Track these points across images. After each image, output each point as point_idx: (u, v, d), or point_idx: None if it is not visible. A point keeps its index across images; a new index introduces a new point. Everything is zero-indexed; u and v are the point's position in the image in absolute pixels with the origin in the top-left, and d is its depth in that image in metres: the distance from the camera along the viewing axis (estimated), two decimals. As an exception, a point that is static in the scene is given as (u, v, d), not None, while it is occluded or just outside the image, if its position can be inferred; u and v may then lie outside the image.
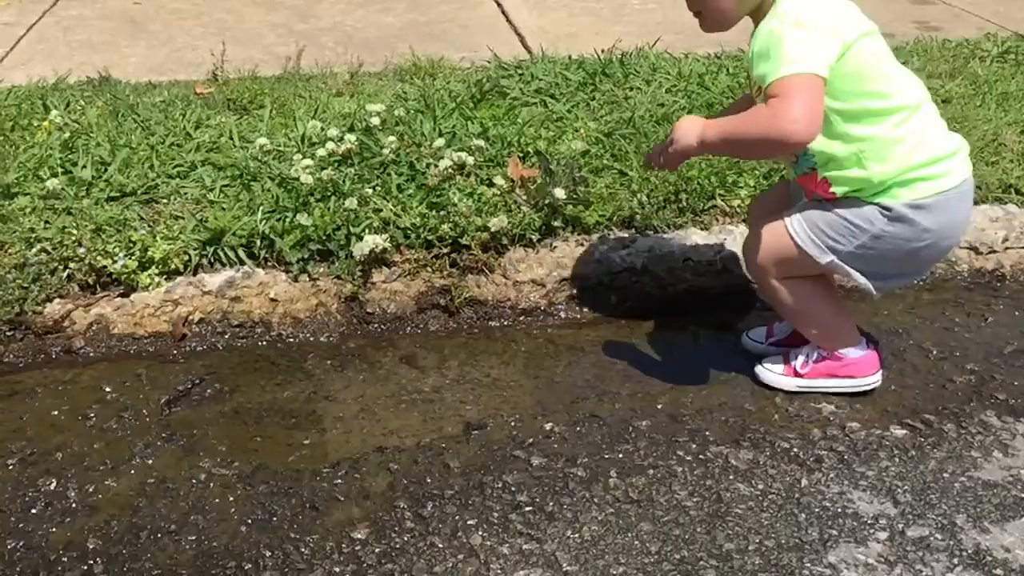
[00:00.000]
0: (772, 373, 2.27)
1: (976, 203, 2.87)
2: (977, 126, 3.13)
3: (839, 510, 1.93)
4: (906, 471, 2.04)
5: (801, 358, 2.25)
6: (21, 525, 1.89)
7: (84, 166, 2.74)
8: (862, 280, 2.08)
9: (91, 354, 2.41)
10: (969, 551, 1.84)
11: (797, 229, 2.06)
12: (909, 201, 1.96)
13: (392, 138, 2.84)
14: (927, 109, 2.00)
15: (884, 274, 2.09)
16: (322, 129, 2.91)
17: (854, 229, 2.01)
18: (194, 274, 2.52)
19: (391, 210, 2.61)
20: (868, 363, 2.24)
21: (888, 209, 1.97)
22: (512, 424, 2.17)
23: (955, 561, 1.81)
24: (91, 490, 1.97)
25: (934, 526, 1.90)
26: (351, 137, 2.82)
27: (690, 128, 1.96)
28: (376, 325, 2.52)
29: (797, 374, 2.25)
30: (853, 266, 2.05)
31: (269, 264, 2.56)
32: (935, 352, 2.44)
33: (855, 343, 2.23)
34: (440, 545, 1.84)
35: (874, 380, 2.25)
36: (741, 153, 1.94)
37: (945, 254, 2.13)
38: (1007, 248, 2.82)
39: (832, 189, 2.01)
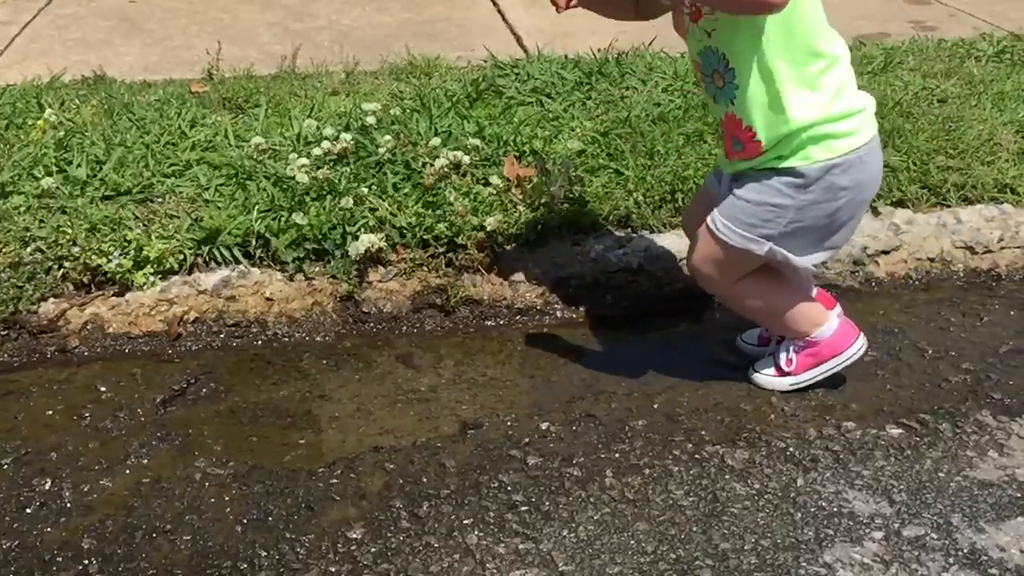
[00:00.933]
0: (764, 376, 2.28)
1: (971, 203, 2.89)
2: (973, 126, 3.14)
3: (835, 509, 1.93)
4: (902, 471, 2.04)
5: (783, 356, 2.25)
6: (16, 525, 1.88)
7: (79, 165, 2.74)
8: (800, 261, 2.06)
9: (86, 353, 2.41)
10: (964, 550, 1.84)
11: (724, 231, 2.05)
12: (823, 162, 1.95)
13: (388, 137, 2.84)
14: (847, 63, 1.99)
15: (815, 248, 2.07)
16: (318, 128, 2.90)
17: (776, 209, 1.99)
18: (189, 273, 2.51)
19: (387, 209, 2.61)
20: (845, 334, 2.23)
21: (803, 176, 1.96)
22: (508, 424, 2.17)
23: (951, 560, 1.82)
24: (86, 490, 1.97)
25: (930, 525, 1.90)
26: (347, 136, 2.82)
27: None
28: (372, 324, 2.52)
29: (786, 372, 2.25)
30: (787, 248, 2.03)
31: (264, 263, 2.55)
32: (931, 352, 2.44)
33: (824, 319, 2.21)
34: (436, 545, 1.84)
35: (859, 345, 2.24)
36: (720, 7, 1.89)
37: (863, 211, 2.10)
38: (1002, 248, 2.83)
39: (758, 138, 1.96)
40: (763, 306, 2.20)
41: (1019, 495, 1.97)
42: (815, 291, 2.30)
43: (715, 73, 1.99)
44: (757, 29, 1.87)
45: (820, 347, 2.22)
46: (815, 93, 1.93)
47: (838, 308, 2.33)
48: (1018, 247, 2.83)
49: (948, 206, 2.88)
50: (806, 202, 1.98)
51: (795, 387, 2.25)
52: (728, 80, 1.96)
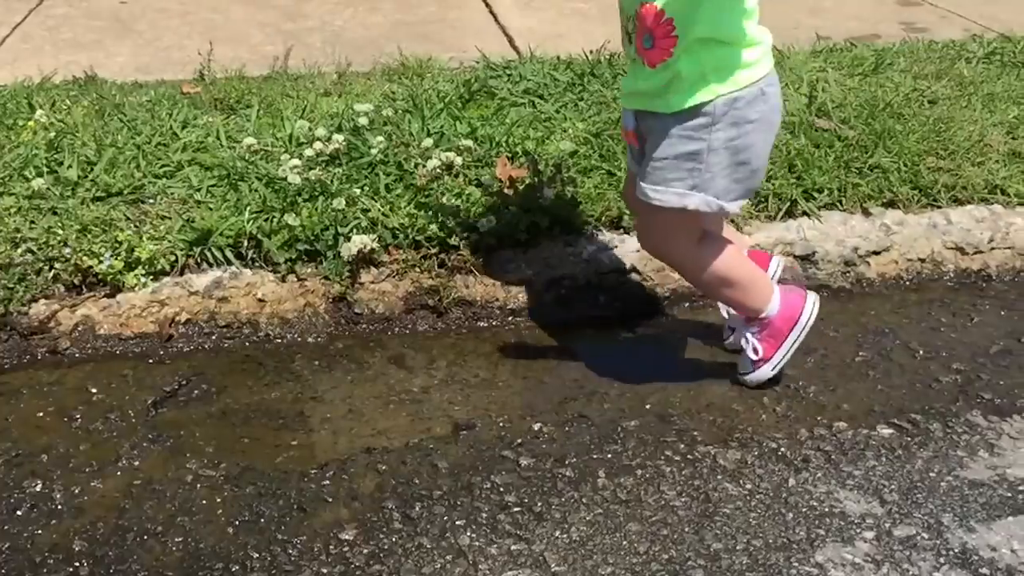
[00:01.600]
0: (750, 375, 2.26)
1: (962, 203, 2.90)
2: (963, 127, 3.15)
3: (826, 509, 1.94)
4: (893, 470, 2.04)
5: (749, 352, 2.24)
6: (6, 527, 1.87)
7: (70, 166, 2.73)
8: (731, 207, 2.04)
9: (77, 355, 2.40)
10: (955, 550, 1.84)
11: (654, 196, 2.02)
12: (726, 95, 1.93)
13: (380, 138, 2.84)
14: None
15: (739, 189, 2.04)
16: (310, 129, 2.90)
17: (693, 156, 1.97)
18: (181, 274, 2.51)
19: (379, 210, 2.61)
20: (791, 299, 2.22)
21: (708, 114, 1.94)
22: (500, 424, 2.17)
23: (941, 560, 1.82)
24: (77, 491, 1.96)
25: (921, 525, 1.90)
26: (339, 137, 2.82)
27: None
28: (364, 325, 2.52)
29: (760, 363, 2.23)
30: (715, 194, 2.00)
31: (256, 264, 2.55)
32: (921, 352, 2.45)
33: (771, 292, 2.20)
34: (428, 546, 1.84)
35: (811, 304, 2.22)
36: None
37: (771, 144, 2.08)
38: (993, 248, 2.84)
39: (675, 34, 1.90)
40: (720, 277, 2.15)
41: (1009, 495, 1.98)
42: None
43: None
44: None
45: (776, 322, 2.20)
46: (737, 4, 1.91)
47: (772, 267, 2.35)
48: (1008, 248, 2.85)
49: (939, 207, 2.89)
50: (718, 141, 1.96)
51: (777, 369, 2.24)
52: None
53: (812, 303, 2.23)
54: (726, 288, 2.19)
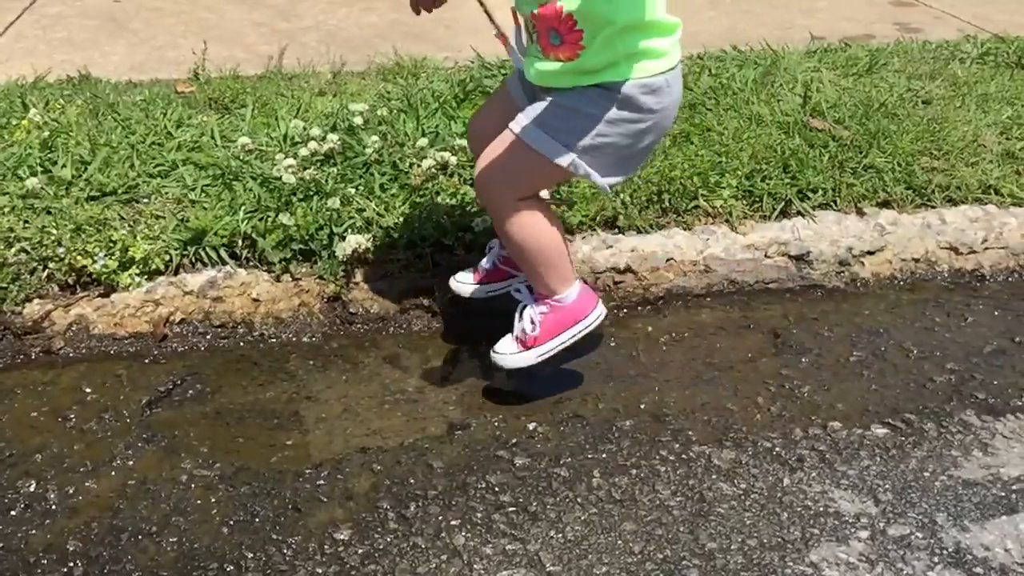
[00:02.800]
0: (509, 356, 2.14)
1: (956, 204, 2.91)
2: (957, 127, 3.16)
3: (821, 509, 1.94)
4: (887, 470, 2.05)
5: (526, 325, 2.13)
6: (0, 527, 1.87)
7: (64, 165, 2.72)
8: (602, 181, 2.00)
9: (71, 355, 2.39)
10: (949, 549, 1.85)
11: (531, 134, 1.95)
12: (634, 80, 1.91)
13: (375, 138, 2.84)
14: None
15: (615, 170, 2.02)
16: (304, 128, 2.90)
17: (587, 118, 1.93)
18: (175, 274, 2.50)
19: (374, 210, 2.61)
20: (586, 298, 2.16)
21: (615, 91, 1.91)
22: (495, 424, 2.17)
23: (936, 560, 1.83)
24: (71, 491, 1.96)
25: (915, 525, 1.91)
26: (334, 137, 2.81)
27: None
28: (359, 325, 2.51)
29: (532, 343, 2.13)
30: (590, 164, 1.97)
31: (251, 264, 2.54)
32: (915, 352, 2.46)
33: (573, 279, 2.15)
34: (423, 546, 1.84)
35: (599, 313, 2.16)
36: None
37: (662, 137, 2.04)
38: (987, 248, 2.85)
39: (579, 26, 1.87)
40: (536, 243, 2.05)
41: (1003, 494, 1.99)
42: None
43: None
44: None
45: (564, 311, 2.13)
46: None
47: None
48: (1002, 248, 2.85)
49: (933, 207, 2.90)
50: (616, 117, 1.93)
51: (543, 358, 2.13)
52: None
53: (601, 310, 2.18)
54: (534, 254, 2.07)
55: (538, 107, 1.99)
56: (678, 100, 2.02)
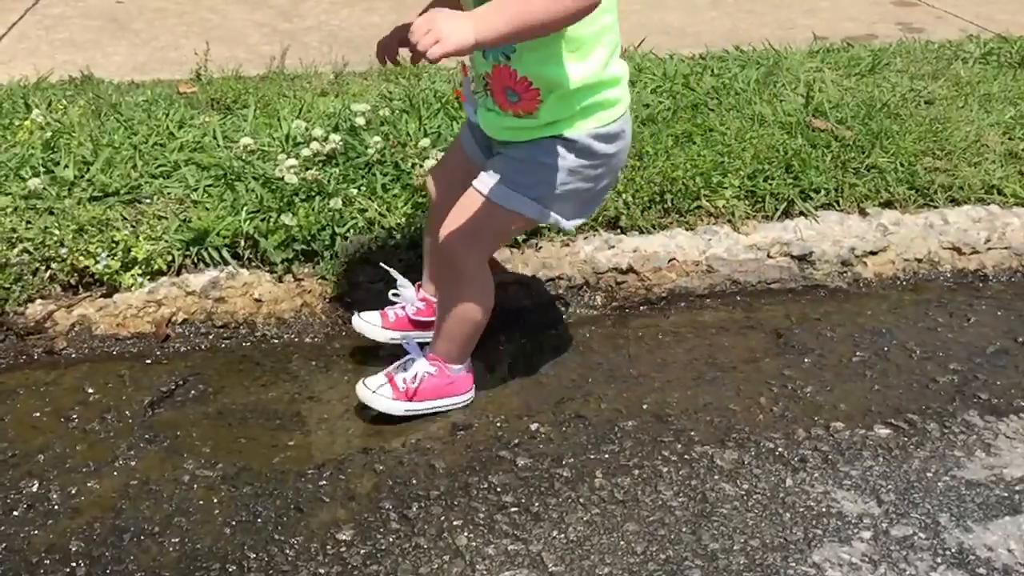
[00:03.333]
0: (380, 397, 2.14)
1: (959, 204, 2.91)
2: (960, 127, 3.16)
3: (823, 509, 1.94)
4: (890, 470, 2.05)
5: (408, 378, 2.14)
6: (2, 527, 1.87)
7: (66, 166, 2.72)
8: (569, 225, 2.03)
9: (73, 355, 2.40)
10: (952, 550, 1.85)
11: (498, 193, 1.96)
12: (591, 131, 1.94)
13: (377, 138, 2.83)
14: (617, 27, 1.96)
15: (577, 212, 2.04)
16: (307, 129, 2.90)
17: (550, 168, 1.94)
18: (177, 274, 2.51)
19: (376, 210, 2.61)
20: (467, 380, 2.20)
21: (573, 141, 1.93)
22: (498, 424, 2.17)
23: (938, 560, 1.82)
24: (73, 492, 1.96)
25: (918, 525, 1.91)
26: (336, 137, 2.81)
27: (458, 27, 1.68)
28: (361, 325, 2.51)
29: (406, 396, 2.14)
30: (556, 210, 1.99)
31: (253, 264, 2.54)
32: (918, 352, 2.45)
33: (466, 360, 2.18)
34: (426, 546, 1.84)
35: (470, 395, 2.21)
36: (528, 37, 1.76)
37: (617, 174, 2.09)
38: (989, 249, 2.84)
39: (535, 86, 1.89)
40: (474, 313, 2.09)
41: (1006, 494, 1.99)
42: None
43: None
44: None
45: (450, 382, 2.17)
46: (594, 53, 1.89)
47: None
48: (1005, 248, 2.85)
49: (935, 207, 2.90)
50: (576, 166, 1.95)
51: (409, 413, 2.14)
52: None
53: (472, 395, 2.22)
54: (467, 322, 2.10)
55: (499, 165, 1.99)
56: (629, 141, 2.06)
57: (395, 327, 2.33)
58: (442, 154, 2.74)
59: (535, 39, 1.79)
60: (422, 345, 2.21)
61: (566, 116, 1.93)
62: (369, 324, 2.34)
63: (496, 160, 2.02)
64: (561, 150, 1.95)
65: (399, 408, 2.14)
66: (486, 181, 1.99)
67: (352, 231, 2.55)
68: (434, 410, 2.17)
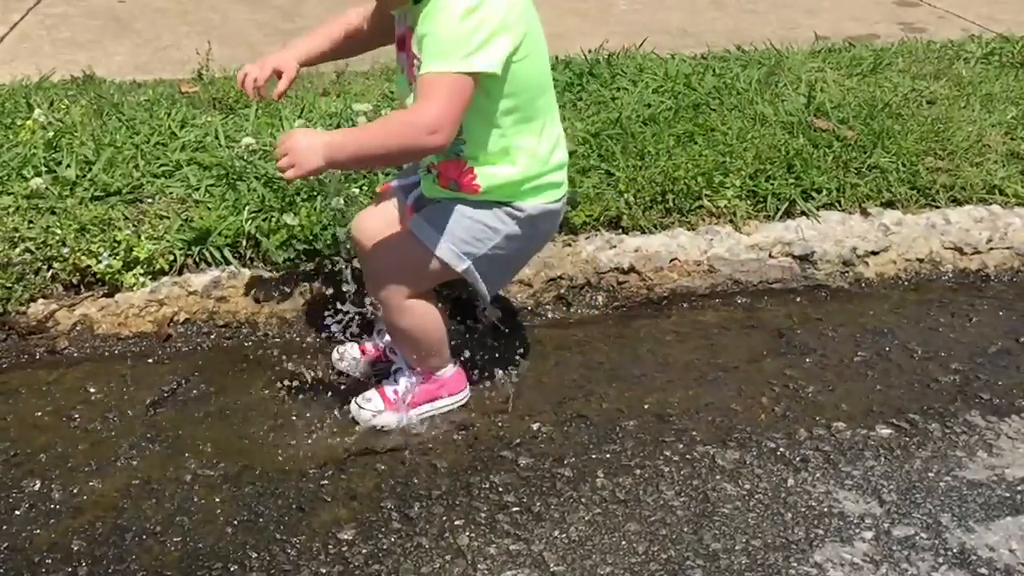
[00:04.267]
0: (372, 413, 2.15)
1: (960, 204, 2.91)
2: (961, 127, 3.15)
3: (825, 509, 1.94)
4: (891, 470, 2.05)
5: (399, 389, 2.16)
6: (4, 527, 1.87)
7: (68, 165, 2.72)
8: (487, 290, 2.04)
9: (75, 354, 2.40)
10: (954, 550, 1.85)
11: (431, 239, 1.96)
12: (538, 207, 1.96)
13: (379, 138, 2.83)
14: (557, 115, 2.01)
15: (500, 279, 2.08)
16: (308, 129, 2.90)
17: (489, 231, 1.96)
18: (179, 274, 2.51)
19: (378, 210, 2.60)
20: (459, 379, 2.21)
21: (520, 211, 1.95)
22: (499, 424, 2.17)
23: (940, 560, 1.82)
24: (75, 491, 1.96)
25: (919, 525, 1.90)
26: (338, 137, 2.81)
27: (311, 148, 1.78)
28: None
29: (399, 407, 2.15)
30: (481, 273, 2.00)
31: (255, 264, 2.54)
32: (920, 352, 2.45)
33: (449, 359, 2.18)
34: (427, 546, 1.84)
35: (464, 394, 2.22)
36: (375, 165, 1.83)
37: (537, 252, 2.17)
38: (991, 249, 2.84)
39: (477, 182, 1.92)
40: (420, 333, 2.09)
41: (1008, 495, 1.98)
42: None
43: None
44: (487, 91, 1.82)
45: (440, 385, 2.17)
46: (538, 147, 1.92)
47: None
48: (1007, 248, 2.85)
49: (937, 207, 2.89)
50: (515, 234, 1.97)
51: (404, 422, 2.15)
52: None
53: (467, 393, 2.22)
54: (418, 344, 2.11)
55: (441, 211, 1.98)
56: (560, 220, 2.09)
57: (377, 359, 2.31)
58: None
59: (386, 166, 1.85)
60: None
61: (509, 195, 1.95)
62: (348, 360, 2.33)
63: (439, 207, 1.99)
64: (507, 217, 1.96)
65: (394, 420, 2.15)
66: (422, 225, 1.98)
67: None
68: (430, 413, 2.17)
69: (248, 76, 2.03)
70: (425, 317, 2.07)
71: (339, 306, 2.36)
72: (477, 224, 1.96)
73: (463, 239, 1.96)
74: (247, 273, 2.53)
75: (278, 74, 2.04)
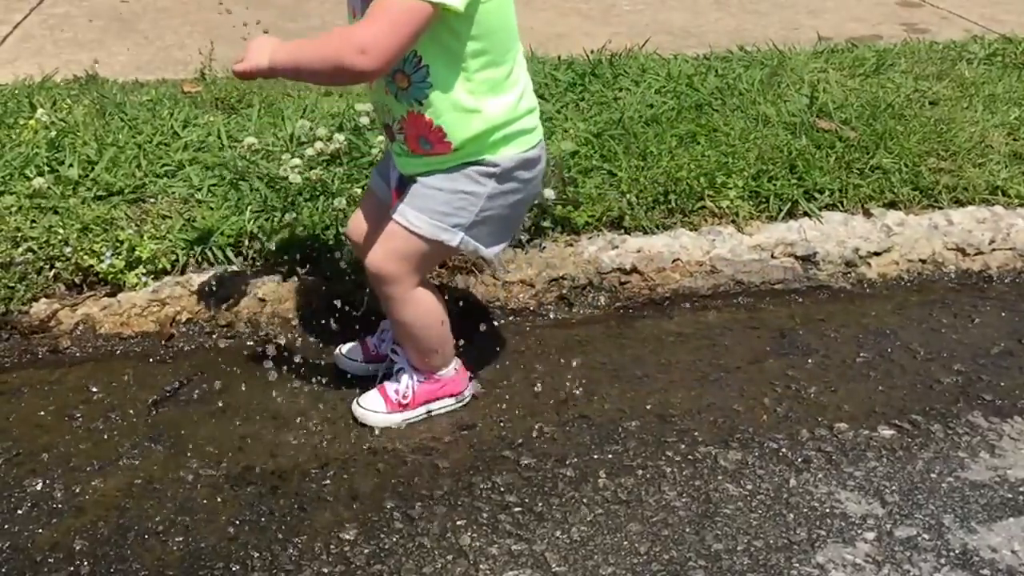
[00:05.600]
0: (375, 413, 2.15)
1: (963, 204, 2.91)
2: (964, 128, 3.15)
3: (827, 510, 1.94)
4: (894, 471, 2.04)
5: (401, 389, 2.16)
6: (7, 526, 1.87)
7: (71, 165, 2.73)
8: (489, 252, 2.03)
9: (77, 354, 2.40)
10: (956, 551, 1.84)
11: (416, 221, 1.95)
12: (511, 157, 1.93)
13: (381, 138, 2.83)
14: (524, 62, 1.98)
15: (499, 238, 2.04)
16: (310, 128, 2.90)
17: (469, 197, 1.94)
18: (181, 274, 2.51)
19: (380, 210, 2.60)
20: (461, 379, 2.21)
21: (495, 166, 1.93)
22: (501, 424, 2.17)
23: (942, 561, 1.82)
24: (77, 491, 1.96)
25: (921, 526, 1.90)
26: (340, 136, 2.81)
27: (261, 48, 1.81)
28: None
29: (401, 407, 2.15)
30: (476, 238, 1.98)
31: (257, 264, 2.54)
32: (922, 353, 2.45)
33: (453, 359, 2.19)
34: (429, 546, 1.84)
35: (467, 395, 2.22)
36: (311, 79, 1.81)
37: (533, 201, 2.10)
38: (994, 250, 2.84)
39: (448, 139, 1.90)
40: (423, 328, 2.09)
41: (1010, 496, 1.98)
42: None
43: (398, 74, 1.86)
44: (454, 32, 1.80)
45: (441, 385, 2.18)
46: (507, 93, 1.90)
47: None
48: (1009, 249, 2.85)
49: (940, 208, 2.89)
50: (496, 191, 1.95)
51: (407, 422, 2.15)
52: (417, 80, 1.86)
53: (469, 393, 2.23)
54: (423, 340, 2.11)
55: (418, 193, 1.96)
56: (543, 167, 2.06)
57: (378, 359, 2.30)
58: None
59: (322, 83, 1.79)
60: None
61: (482, 147, 1.92)
62: (350, 360, 2.33)
63: (415, 189, 1.97)
64: (481, 177, 1.94)
65: (396, 420, 2.15)
66: (404, 212, 1.97)
67: (347, 231, 2.54)
68: (432, 413, 2.18)
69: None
70: (429, 311, 2.07)
71: (340, 306, 2.37)
72: (455, 195, 1.94)
73: (446, 213, 1.95)
74: (249, 273, 2.52)
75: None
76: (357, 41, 1.71)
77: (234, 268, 2.52)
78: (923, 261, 2.81)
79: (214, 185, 2.70)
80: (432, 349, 2.13)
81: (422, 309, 2.06)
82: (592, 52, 3.65)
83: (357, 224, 2.15)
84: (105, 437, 2.11)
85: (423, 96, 1.87)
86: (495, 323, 2.55)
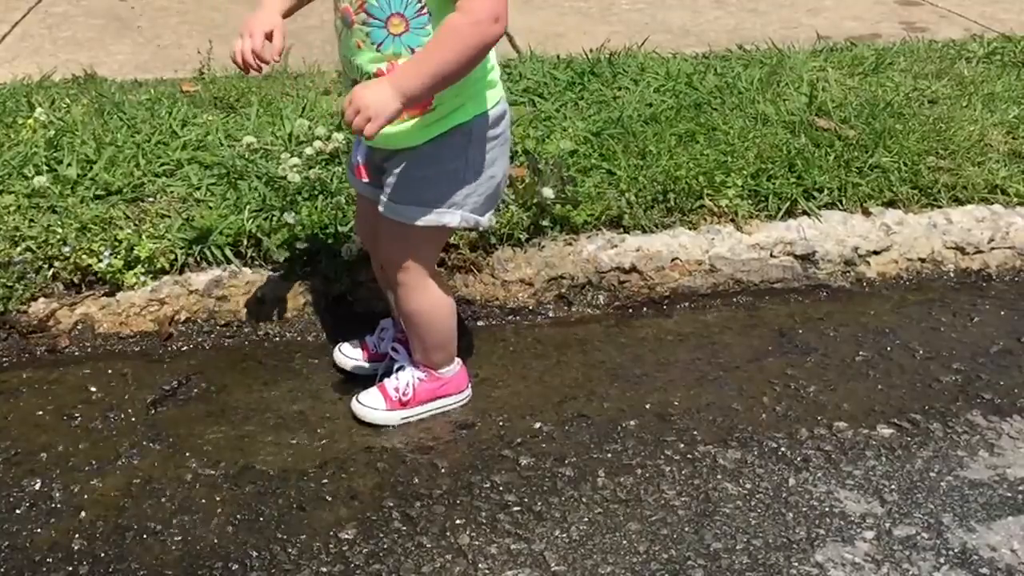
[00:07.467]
0: (374, 411, 2.15)
1: (962, 203, 2.90)
2: (963, 127, 3.15)
3: (826, 509, 1.94)
4: (893, 470, 2.04)
5: (400, 387, 2.15)
6: (5, 526, 1.87)
7: (69, 164, 2.72)
8: (485, 221, 2.03)
9: (76, 353, 2.40)
10: (955, 550, 1.84)
11: (409, 215, 1.95)
12: (479, 114, 1.92)
13: (380, 137, 2.83)
14: None
15: (488, 204, 2.02)
16: (309, 128, 2.89)
17: (451, 174, 1.93)
18: (180, 273, 2.51)
19: (379, 209, 2.60)
20: (461, 378, 2.21)
21: (465, 132, 1.91)
22: (500, 424, 2.17)
23: (942, 560, 1.82)
24: (76, 490, 1.96)
25: (921, 525, 1.90)
26: (339, 136, 2.81)
27: (381, 95, 1.75)
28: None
29: (400, 405, 2.15)
30: (471, 210, 1.97)
31: (256, 263, 2.54)
32: (921, 352, 2.45)
33: (455, 356, 2.19)
34: (428, 545, 1.84)
35: (466, 394, 2.22)
36: (454, 80, 1.77)
37: (509, 154, 2.08)
38: (993, 248, 2.84)
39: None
40: (436, 324, 2.10)
41: (1009, 494, 1.98)
42: None
43: (393, 17, 1.81)
44: None
45: (442, 384, 2.18)
46: None
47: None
48: (1008, 247, 2.85)
49: (939, 206, 2.89)
50: (473, 157, 1.94)
51: (406, 420, 2.15)
52: (416, 27, 1.82)
53: (469, 393, 2.23)
54: (432, 334, 2.11)
55: (402, 185, 1.95)
56: (510, 118, 2.05)
57: (377, 359, 2.30)
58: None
59: (461, 78, 1.81)
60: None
61: (457, 107, 1.90)
62: (350, 358, 2.32)
63: (400, 182, 1.95)
64: (457, 146, 1.92)
65: (395, 418, 2.15)
66: (393, 208, 1.96)
67: (355, 230, 2.54)
68: (431, 412, 2.17)
69: (243, 50, 1.94)
70: (442, 309, 2.09)
71: (339, 305, 2.37)
72: (439, 175, 1.93)
73: (436, 198, 1.94)
74: (248, 272, 2.53)
75: (268, 36, 1.97)
76: (486, 14, 1.72)
77: (233, 267, 2.52)
78: (922, 260, 2.81)
79: (213, 184, 2.70)
80: (437, 343, 2.13)
81: (435, 299, 2.07)
82: (591, 51, 3.65)
83: (361, 225, 2.18)
84: (104, 436, 2.11)
85: (417, 44, 1.83)
86: (494, 322, 2.55)
